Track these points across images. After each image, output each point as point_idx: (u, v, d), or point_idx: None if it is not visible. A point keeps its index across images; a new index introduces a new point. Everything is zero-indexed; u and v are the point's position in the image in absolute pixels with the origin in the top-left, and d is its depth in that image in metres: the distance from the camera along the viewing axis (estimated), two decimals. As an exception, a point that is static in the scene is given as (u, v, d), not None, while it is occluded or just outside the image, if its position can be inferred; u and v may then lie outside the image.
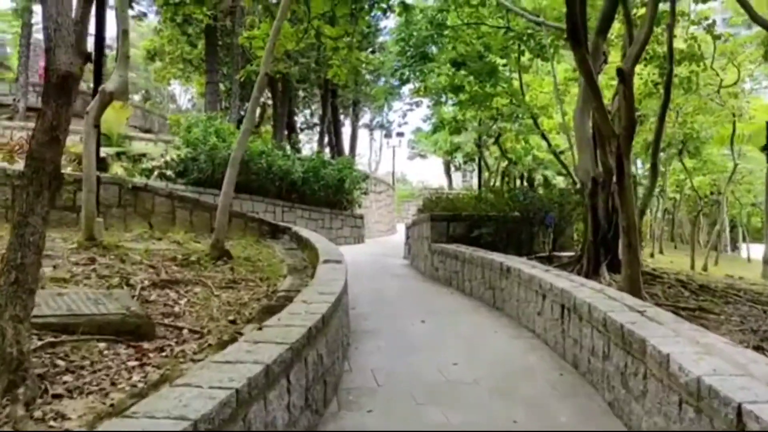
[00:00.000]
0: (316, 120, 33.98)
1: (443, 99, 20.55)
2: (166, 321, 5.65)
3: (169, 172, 15.78)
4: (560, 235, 12.33)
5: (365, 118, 34.72)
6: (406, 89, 23.80)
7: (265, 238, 12.83)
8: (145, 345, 4.84)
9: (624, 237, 8.11)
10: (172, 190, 12.56)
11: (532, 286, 7.22)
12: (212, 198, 15.84)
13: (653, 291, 9.22)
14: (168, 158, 15.65)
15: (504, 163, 22.34)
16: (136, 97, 43.08)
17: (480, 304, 9.19)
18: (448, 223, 12.26)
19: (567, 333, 5.87)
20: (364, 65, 16.32)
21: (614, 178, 10.33)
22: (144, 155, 15.72)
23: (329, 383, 4.84)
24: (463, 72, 18.48)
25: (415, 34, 18.25)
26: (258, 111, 31.50)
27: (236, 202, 16.61)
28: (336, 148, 27.98)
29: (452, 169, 41.76)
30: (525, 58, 19.15)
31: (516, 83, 19.69)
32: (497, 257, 9.19)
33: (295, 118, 31.25)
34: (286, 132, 26.96)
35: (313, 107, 34.01)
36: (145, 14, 28.78)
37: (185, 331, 5.38)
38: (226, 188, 9.44)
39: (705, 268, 19.83)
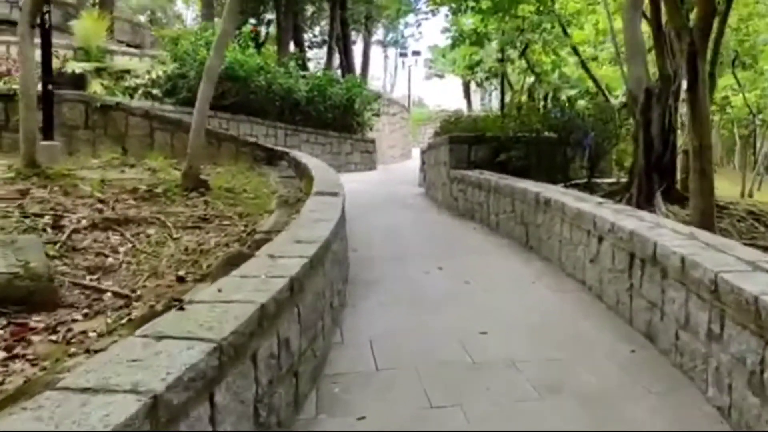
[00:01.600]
0: (326, 38, 31.66)
1: (462, 8, 18.30)
2: (87, 279, 4.15)
3: (155, 91, 14.06)
4: (600, 159, 10.58)
5: (378, 34, 32.28)
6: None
7: (260, 164, 11.24)
8: (35, 320, 3.34)
9: (695, 160, 6.41)
10: (149, 109, 10.93)
11: (581, 224, 5.60)
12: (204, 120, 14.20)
13: (721, 225, 7.55)
14: (154, 75, 13.90)
15: (530, 79, 20.27)
16: (142, 18, 40.81)
17: (509, 243, 7.61)
18: (469, 146, 10.54)
19: (638, 292, 4.28)
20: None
21: (674, 87, 8.56)
22: (128, 72, 13.98)
23: (303, 374, 3.33)
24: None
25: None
26: (263, 30, 29.34)
27: (233, 124, 15.01)
28: (346, 67, 25.86)
29: (471, 90, 39.41)
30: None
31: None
32: (531, 186, 7.53)
33: (303, 35, 29.02)
34: (292, 50, 24.89)
35: (322, 23, 31.57)
36: None
37: (107, 296, 3.88)
38: (200, 105, 7.78)
39: (750, 194, 18.04)
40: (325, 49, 31.65)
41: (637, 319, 4.28)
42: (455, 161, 10.60)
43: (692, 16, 7.23)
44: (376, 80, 47.63)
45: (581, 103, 22.70)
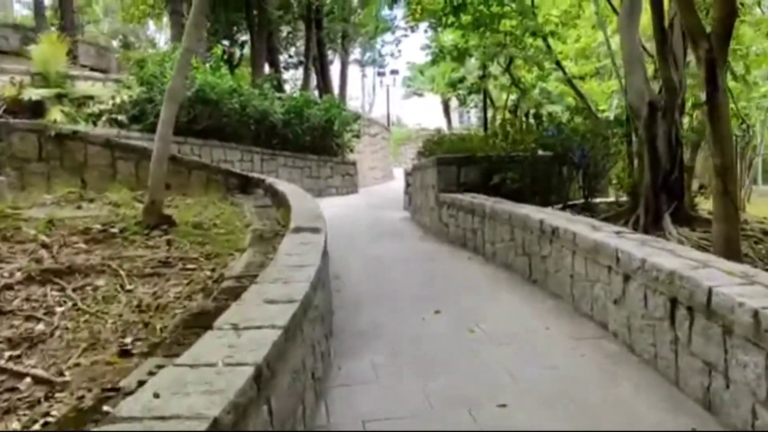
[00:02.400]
0: (302, 59, 30.96)
1: (442, 24, 17.75)
2: (5, 357, 3.30)
3: (121, 117, 13.20)
4: (598, 178, 9.92)
5: (355, 53, 31.60)
6: (398, 14, 21.02)
7: (233, 193, 10.42)
8: None
9: (718, 180, 5.73)
10: (110, 137, 10.07)
11: (599, 259, 4.86)
12: (175, 147, 13.37)
13: (740, 249, 6.87)
14: (118, 100, 13.05)
15: (513, 97, 19.73)
16: (115, 43, 39.92)
17: (510, 276, 6.85)
18: (458, 167, 9.82)
19: (686, 348, 3.54)
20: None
21: (679, 100, 7.94)
22: (91, 98, 13.13)
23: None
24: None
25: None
26: (238, 51, 28.60)
27: (205, 150, 14.19)
28: (324, 88, 25.16)
29: (451, 108, 38.94)
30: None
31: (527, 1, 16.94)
32: (533, 212, 6.80)
33: (279, 56, 28.34)
34: (267, 71, 24.19)
35: (297, 44, 30.91)
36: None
37: (27, 381, 3.04)
38: (162, 130, 6.95)
39: (743, 207, 17.53)
40: (301, 69, 31.00)
41: (688, 383, 3.53)
42: (444, 184, 9.87)
43: (709, 19, 6.62)
44: (354, 100, 47.03)
45: (577, 120, 22.19)
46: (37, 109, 12.08)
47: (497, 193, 9.08)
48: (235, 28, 24.70)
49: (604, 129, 9.77)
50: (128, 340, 3.60)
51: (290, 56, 31.37)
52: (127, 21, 32.51)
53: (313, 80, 27.66)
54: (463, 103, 19.96)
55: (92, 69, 15.35)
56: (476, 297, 6.03)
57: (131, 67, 14.32)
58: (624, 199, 9.88)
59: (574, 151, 8.95)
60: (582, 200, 9.97)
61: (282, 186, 9.82)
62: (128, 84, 13.59)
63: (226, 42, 26.64)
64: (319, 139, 17.29)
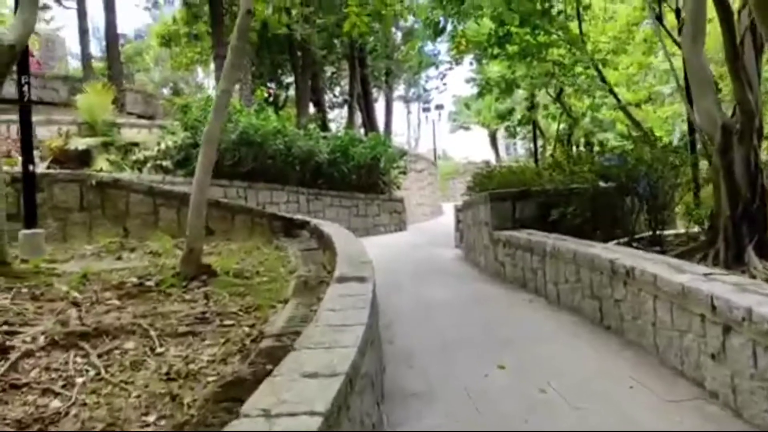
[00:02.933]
0: (347, 97, 30.97)
1: (488, 55, 17.35)
2: (10, 444, 2.89)
3: (166, 163, 13.13)
4: (665, 208, 9.19)
5: (400, 90, 31.45)
6: (442, 48, 20.71)
7: (278, 236, 10.07)
8: None
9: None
10: (151, 184, 9.85)
11: (688, 306, 4.22)
12: (221, 190, 13.21)
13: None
14: (163, 146, 12.99)
15: (562, 126, 19.07)
16: (165, 90, 41.01)
17: (578, 321, 6.20)
18: (513, 202, 9.25)
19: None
20: (387, 7, 13.18)
21: (757, 123, 7.25)
22: (136, 145, 13.12)
23: None
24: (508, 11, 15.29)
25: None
26: (286, 93, 28.77)
27: (250, 192, 13.96)
28: (369, 125, 24.97)
29: (499, 139, 38.34)
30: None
31: (575, 28, 16.42)
32: (601, 251, 6.17)
33: (324, 96, 28.41)
34: (313, 111, 24.21)
35: (342, 83, 31.01)
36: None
37: (28, 479, 2.61)
38: (199, 176, 6.63)
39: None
40: (346, 108, 30.97)
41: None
42: (498, 221, 9.30)
43: None
44: (399, 136, 46.95)
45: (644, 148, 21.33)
46: (84, 158, 12.10)
47: (556, 229, 8.47)
48: (279, 71, 24.86)
49: (671, 156, 9.07)
50: (151, 418, 3.14)
51: (335, 95, 31.50)
52: (175, 69, 33.30)
53: (358, 118, 27.60)
54: (512, 134, 19.35)
55: (139, 116, 15.44)
56: (544, 347, 5.41)
57: (175, 113, 14.33)
58: (695, 230, 9.13)
59: (639, 181, 8.27)
60: (648, 233, 9.24)
61: (327, 227, 9.41)
62: (172, 129, 13.55)
63: (272, 84, 26.89)
64: (366, 177, 16.96)
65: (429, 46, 28.12)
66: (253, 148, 13.79)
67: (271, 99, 25.69)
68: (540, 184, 9.38)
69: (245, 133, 13.43)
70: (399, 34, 27.55)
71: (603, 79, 16.44)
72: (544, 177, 9.49)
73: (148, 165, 12.73)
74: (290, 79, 27.35)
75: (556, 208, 8.71)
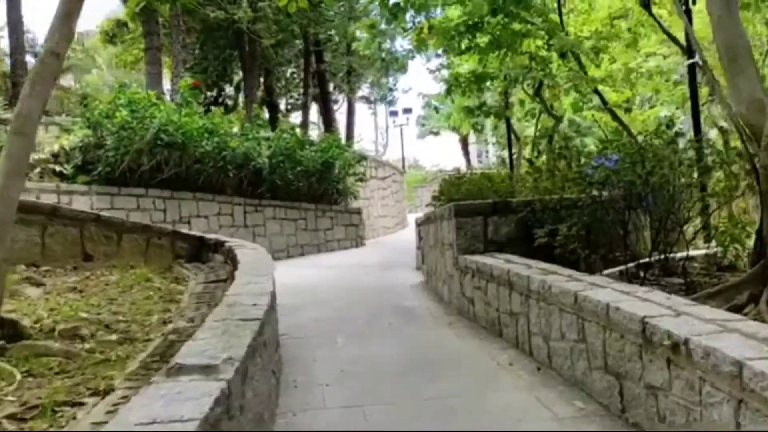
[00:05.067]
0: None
1: (455, 47, 15.17)
2: None
3: (65, 168, 10.73)
4: (678, 224, 7.06)
5: (363, 90, 29.16)
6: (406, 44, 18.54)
7: (182, 263, 7.76)
8: None
9: None
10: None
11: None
12: (132, 201, 10.85)
13: None
14: (56, 147, 10.60)
15: (540, 127, 17.00)
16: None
17: (584, 407, 4.00)
18: (485, 218, 7.06)
19: None
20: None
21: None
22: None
23: None
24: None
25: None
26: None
27: (172, 204, 11.59)
28: (327, 128, 22.71)
29: (471, 145, 36.33)
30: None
31: (554, 15, 14.42)
32: (623, 303, 3.95)
33: (279, 98, 26.04)
34: (265, 114, 21.89)
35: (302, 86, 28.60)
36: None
37: None
38: (4, 181, 4.30)
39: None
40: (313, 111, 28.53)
41: None
42: (465, 241, 7.10)
43: None
44: (367, 142, 44.64)
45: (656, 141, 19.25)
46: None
47: (542, 254, 6.32)
48: (228, 68, 22.45)
49: (682, 153, 6.95)
50: None
51: (295, 98, 29.13)
52: (119, 67, 30.66)
53: (316, 121, 25.30)
54: (480, 131, 17.23)
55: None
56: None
57: (73, 106, 11.93)
58: (714, 249, 7.09)
59: (658, 192, 6.13)
60: (655, 257, 7.11)
61: (241, 251, 7.14)
62: (67, 126, 11.14)
63: (226, 84, 24.50)
64: (316, 185, 14.70)
65: (394, 45, 25.85)
66: (175, 151, 11.43)
67: (219, 100, 23.32)
68: (521, 193, 7.21)
69: (164, 131, 11.07)
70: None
71: (584, 72, 14.41)
72: (526, 184, 7.32)
73: (36, 170, 10.31)
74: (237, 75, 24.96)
75: (542, 225, 6.55)
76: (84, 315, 5.09)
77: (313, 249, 14.43)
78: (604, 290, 4.37)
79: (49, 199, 10.19)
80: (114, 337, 4.56)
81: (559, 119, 13.78)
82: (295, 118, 30.51)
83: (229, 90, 25.87)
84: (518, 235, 6.94)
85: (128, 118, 10.74)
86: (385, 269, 11.33)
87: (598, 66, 17.38)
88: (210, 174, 12.26)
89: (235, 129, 13.27)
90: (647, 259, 6.91)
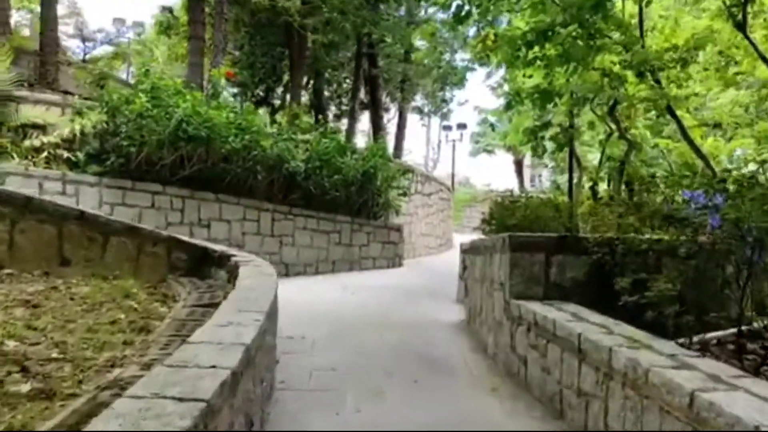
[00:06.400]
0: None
1: (520, 57, 13.68)
2: None
3: (73, 155, 9.70)
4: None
5: (416, 100, 27.69)
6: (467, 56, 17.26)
7: (177, 276, 6.51)
8: None
9: None
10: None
11: None
12: (147, 198, 9.77)
13: None
14: (66, 131, 9.56)
15: (614, 151, 15.37)
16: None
17: None
18: (547, 255, 5.59)
19: None
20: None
21: None
22: (41, 127, 9.73)
23: None
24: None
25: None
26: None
27: (190, 204, 10.46)
28: (376, 136, 21.43)
29: (525, 168, 34.63)
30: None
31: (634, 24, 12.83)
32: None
33: (331, 103, 24.88)
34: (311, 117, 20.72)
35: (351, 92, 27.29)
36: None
37: None
38: None
39: None
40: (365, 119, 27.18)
41: None
42: (521, 283, 5.64)
43: None
44: (418, 156, 43.19)
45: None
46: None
47: (622, 309, 4.82)
48: (277, 66, 21.40)
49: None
50: None
51: (345, 104, 27.97)
52: (171, 60, 30.11)
53: (367, 129, 24.06)
54: (540, 154, 15.62)
55: (65, 92, 12.06)
56: None
57: (89, 86, 10.92)
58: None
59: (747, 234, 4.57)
60: (759, 322, 5.50)
61: (246, 270, 5.89)
62: (79, 108, 10.08)
63: (270, 82, 23.49)
64: (355, 196, 13.38)
65: (456, 58, 24.41)
66: (198, 146, 10.28)
67: (267, 98, 22.30)
68: (593, 227, 5.72)
69: (187, 123, 9.93)
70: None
71: (662, 90, 12.73)
72: (605, 219, 5.81)
73: (42, 155, 9.29)
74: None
75: (623, 272, 5.04)
76: (10, 345, 3.89)
77: (345, 266, 13.11)
78: (735, 394, 2.88)
79: (53, 188, 9.17)
80: (28, 387, 3.31)
81: (633, 144, 12.11)
82: (345, 125, 29.36)
83: (280, 90, 24.86)
84: (589, 281, 5.45)
85: (148, 105, 9.63)
86: (421, 298, 9.90)
87: (679, 87, 15.58)
88: (237, 174, 11.08)
89: (271, 129, 12.07)
90: (754, 325, 5.34)
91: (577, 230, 6.56)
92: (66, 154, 9.41)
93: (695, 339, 4.59)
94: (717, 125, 19.29)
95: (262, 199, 11.71)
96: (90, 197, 9.44)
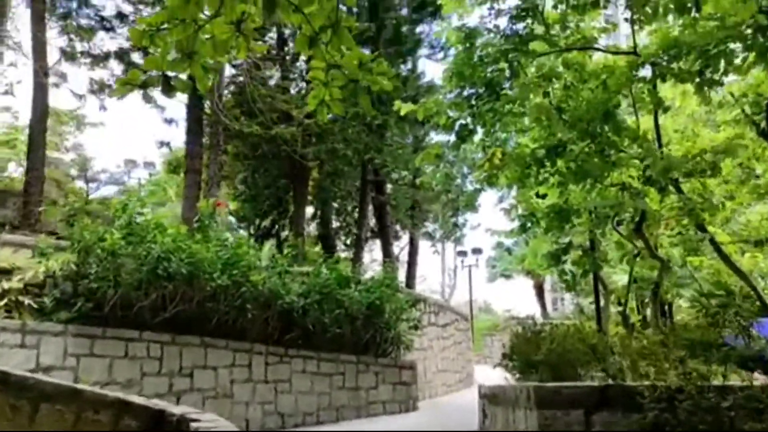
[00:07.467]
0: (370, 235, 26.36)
1: (532, 173, 12.86)
2: None
3: (44, 300, 8.69)
4: None
5: (426, 226, 26.94)
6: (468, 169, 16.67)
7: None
8: None
9: None
10: None
11: None
12: (120, 346, 8.66)
13: None
14: (29, 275, 8.60)
15: (644, 272, 14.19)
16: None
17: None
18: (586, 413, 4.27)
19: None
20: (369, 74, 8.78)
21: None
22: (5, 272, 8.80)
23: None
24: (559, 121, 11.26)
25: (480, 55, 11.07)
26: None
27: (171, 351, 9.29)
28: (385, 266, 20.46)
29: (546, 292, 33.20)
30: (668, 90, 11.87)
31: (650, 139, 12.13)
32: None
33: (339, 234, 24.17)
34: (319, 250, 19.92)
35: (371, 222, 26.61)
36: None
37: None
38: None
39: None
40: (372, 246, 26.44)
41: None
42: (554, 450, 4.28)
43: None
44: (434, 283, 41.91)
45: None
46: None
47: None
48: (282, 199, 20.91)
49: None
50: None
51: (354, 233, 27.25)
52: (179, 197, 29.97)
53: (377, 258, 23.13)
54: (573, 284, 14.44)
55: (51, 233, 11.27)
56: None
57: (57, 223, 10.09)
58: None
59: None
60: None
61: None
62: (44, 249, 9.15)
63: (274, 214, 22.92)
64: (361, 331, 12.10)
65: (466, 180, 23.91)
66: (179, 284, 9.24)
67: (272, 231, 21.62)
68: (642, 373, 4.44)
69: (165, 260, 8.95)
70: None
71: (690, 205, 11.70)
72: (656, 359, 4.53)
73: (3, 302, 8.28)
74: (310, 210, 23.38)
75: (694, 438, 3.72)
76: None
77: (351, 412, 11.59)
78: None
79: (10, 341, 8.08)
80: None
81: (666, 263, 10.91)
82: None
83: (287, 222, 24.27)
84: (646, 446, 4.10)
85: (122, 242, 8.72)
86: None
87: (704, 200, 14.56)
88: (226, 314, 9.95)
89: (266, 262, 11.07)
90: None
91: (621, 372, 5.26)
92: (27, 301, 8.39)
93: None
94: (744, 240, 18.12)
95: (255, 341, 10.49)
96: (53, 348, 8.31)
